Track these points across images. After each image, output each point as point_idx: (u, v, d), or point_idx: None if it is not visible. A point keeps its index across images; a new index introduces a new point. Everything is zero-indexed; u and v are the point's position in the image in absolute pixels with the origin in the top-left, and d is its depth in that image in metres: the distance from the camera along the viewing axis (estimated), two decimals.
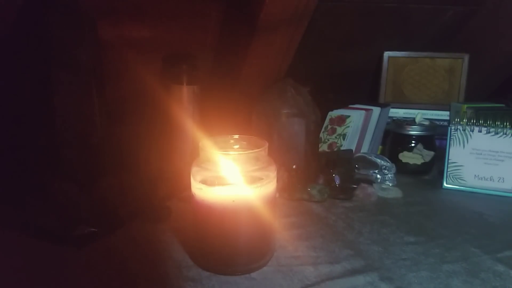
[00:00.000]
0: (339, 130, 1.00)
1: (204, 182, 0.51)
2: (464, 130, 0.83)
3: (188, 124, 0.80)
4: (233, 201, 0.49)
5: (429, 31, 1.17)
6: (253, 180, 0.50)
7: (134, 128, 0.83)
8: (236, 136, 0.56)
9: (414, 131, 0.93)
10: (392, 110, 1.10)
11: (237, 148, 0.55)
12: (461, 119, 0.84)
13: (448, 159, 0.84)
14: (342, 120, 1.01)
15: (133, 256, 0.56)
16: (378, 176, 0.85)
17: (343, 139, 0.98)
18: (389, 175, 0.85)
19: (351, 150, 0.93)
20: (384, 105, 1.05)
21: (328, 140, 1.01)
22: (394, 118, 1.07)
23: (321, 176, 0.81)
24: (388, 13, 1.05)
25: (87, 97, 0.70)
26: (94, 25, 0.69)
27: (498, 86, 1.32)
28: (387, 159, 0.88)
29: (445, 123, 1.07)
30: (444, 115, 1.12)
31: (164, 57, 0.81)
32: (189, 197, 0.53)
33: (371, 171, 0.86)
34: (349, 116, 1.00)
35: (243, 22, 0.86)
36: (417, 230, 0.65)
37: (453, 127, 0.84)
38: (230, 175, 0.50)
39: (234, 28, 0.89)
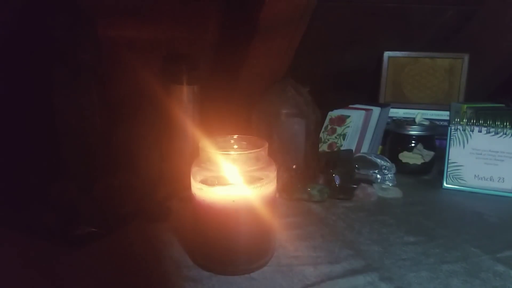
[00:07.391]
0: (339, 130, 1.00)
1: (204, 182, 0.51)
2: (464, 130, 0.83)
3: (188, 124, 0.80)
4: (233, 201, 0.49)
5: (429, 31, 1.17)
6: (253, 180, 0.50)
7: (134, 128, 0.83)
8: (236, 136, 0.56)
9: (414, 131, 0.93)
10: (392, 110, 1.10)
11: (237, 148, 0.55)
12: (461, 119, 0.84)
13: (448, 159, 0.84)
14: (342, 120, 1.01)
15: (133, 256, 0.56)
16: (378, 176, 0.85)
17: (343, 139, 0.98)
18: (389, 175, 0.85)
19: (351, 150, 0.93)
20: (384, 105, 1.05)
21: (328, 140, 1.01)
22: (394, 118, 1.07)
23: (321, 176, 0.81)
24: (388, 13, 1.05)
25: (87, 97, 0.70)
26: (94, 25, 0.69)
27: (498, 86, 1.32)
28: (387, 159, 0.88)
29: (445, 123, 1.07)
30: (444, 115, 1.12)
31: (164, 57, 0.81)
32: (189, 197, 0.54)
33: (371, 171, 0.86)
34: (349, 116, 1.00)
35: (243, 23, 0.86)
36: (417, 230, 0.65)
37: (453, 127, 0.84)
38: (230, 175, 0.50)
39: (234, 28, 0.89)
